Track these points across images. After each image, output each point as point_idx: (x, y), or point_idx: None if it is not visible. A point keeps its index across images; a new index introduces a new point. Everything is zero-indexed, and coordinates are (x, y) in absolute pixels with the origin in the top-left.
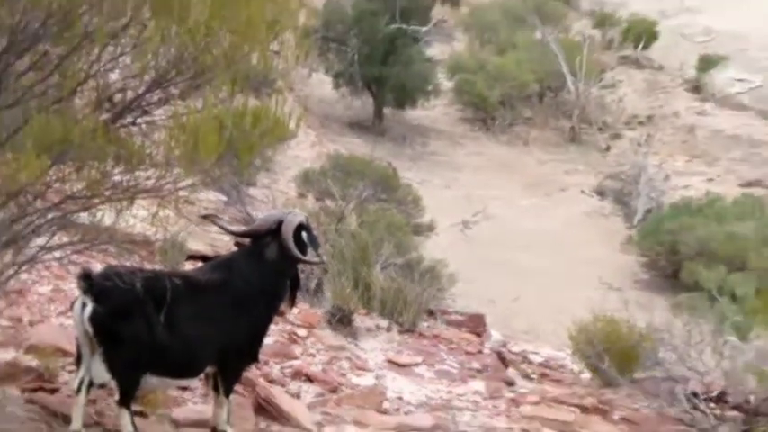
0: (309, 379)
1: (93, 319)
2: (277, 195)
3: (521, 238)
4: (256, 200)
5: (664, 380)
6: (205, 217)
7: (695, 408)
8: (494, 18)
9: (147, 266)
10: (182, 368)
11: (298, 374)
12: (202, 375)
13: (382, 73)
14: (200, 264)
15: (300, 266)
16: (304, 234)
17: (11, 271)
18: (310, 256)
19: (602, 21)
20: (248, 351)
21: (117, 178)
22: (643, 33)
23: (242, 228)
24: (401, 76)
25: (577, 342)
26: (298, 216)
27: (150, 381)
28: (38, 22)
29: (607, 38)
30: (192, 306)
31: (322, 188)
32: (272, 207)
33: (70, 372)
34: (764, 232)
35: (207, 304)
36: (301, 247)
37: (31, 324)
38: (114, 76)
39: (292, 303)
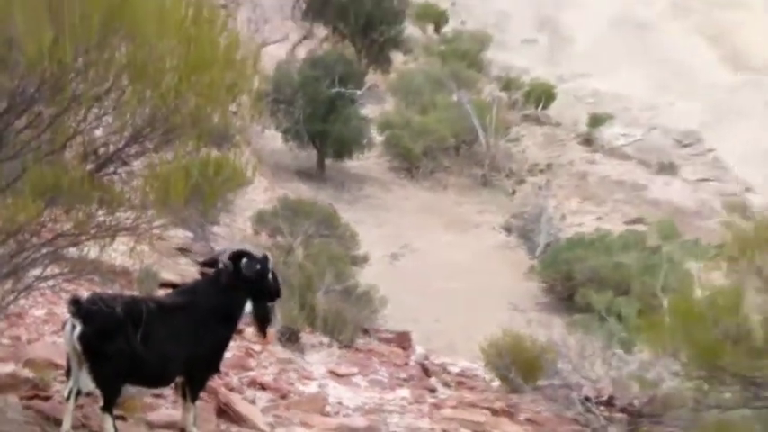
0: (263, 387)
1: (81, 338)
2: (236, 233)
3: (440, 268)
4: (219, 236)
5: (561, 387)
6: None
7: (588, 410)
8: (417, 83)
9: (127, 293)
10: (155, 379)
11: (253, 383)
12: (173, 384)
13: (324, 129)
14: (170, 290)
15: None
16: (244, 261)
17: (11, 297)
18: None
19: (508, 85)
20: (211, 364)
21: (101, 219)
22: (542, 95)
23: (203, 258)
24: (340, 132)
25: (488, 355)
26: (243, 248)
27: (129, 389)
28: (33, 87)
29: (512, 99)
30: (164, 326)
31: (274, 226)
32: (231, 242)
33: (61, 382)
34: (645, 262)
35: (176, 324)
36: (244, 275)
37: (29, 342)
38: (98, 132)
39: (264, 335)
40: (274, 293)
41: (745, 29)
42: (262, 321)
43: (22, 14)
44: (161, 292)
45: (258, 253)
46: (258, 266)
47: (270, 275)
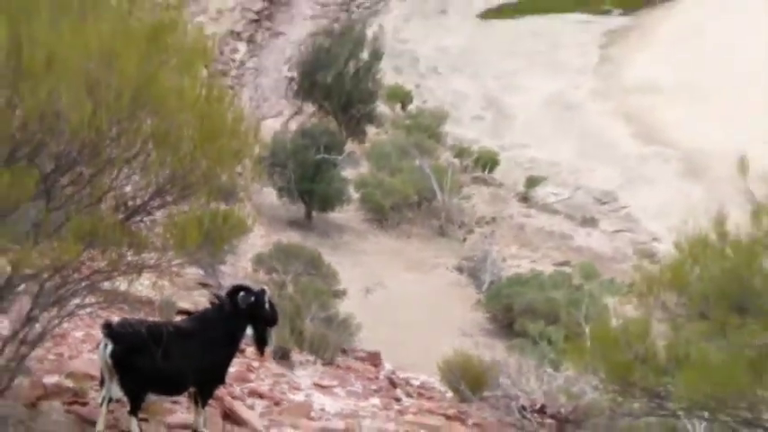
0: (260, 396)
1: (112, 355)
2: (239, 271)
3: (405, 301)
4: (225, 274)
5: (502, 397)
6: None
7: (524, 417)
8: (387, 150)
9: (150, 319)
10: (172, 388)
11: (252, 393)
12: (187, 393)
13: (311, 188)
14: (185, 317)
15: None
16: (241, 294)
17: (56, 321)
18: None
19: (461, 153)
20: (217, 376)
21: (129, 258)
22: (488, 161)
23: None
24: (324, 190)
25: (443, 371)
26: (242, 283)
27: (151, 397)
28: (75, 151)
29: (464, 164)
30: (180, 346)
31: (269, 266)
32: (235, 279)
33: (96, 391)
34: (570, 297)
35: (189, 345)
36: (240, 306)
37: (70, 358)
38: (128, 188)
39: (261, 354)
40: (270, 320)
41: (653, 110)
42: (260, 343)
43: (66, 92)
44: (178, 318)
45: (255, 287)
46: (252, 299)
47: (267, 305)
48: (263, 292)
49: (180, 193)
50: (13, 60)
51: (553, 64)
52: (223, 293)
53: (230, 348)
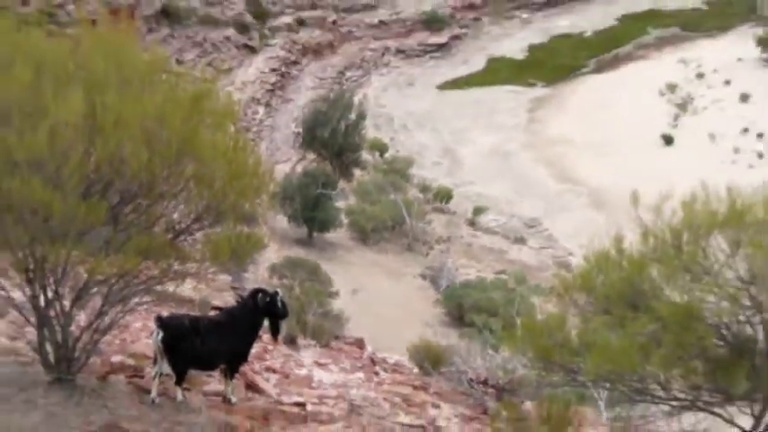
0: (274, 371)
1: (163, 340)
2: (258, 277)
3: (383, 300)
4: (248, 279)
5: (455, 372)
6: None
7: (472, 387)
8: (369, 188)
9: (191, 313)
10: (208, 365)
11: (268, 369)
12: (218, 369)
13: (312, 215)
14: (217, 311)
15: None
16: (260, 296)
17: (121, 315)
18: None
19: (424, 189)
20: (242, 357)
21: (176, 268)
22: (445, 195)
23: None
24: (322, 217)
25: (411, 352)
26: (261, 289)
27: (192, 372)
28: (135, 187)
29: (426, 198)
30: (213, 334)
31: (281, 273)
32: (255, 283)
33: (150, 367)
34: (506, 297)
35: (221, 333)
36: (260, 306)
37: (131, 342)
38: (175, 215)
39: (275, 340)
40: (282, 315)
41: (567, 158)
42: (274, 332)
43: (129, 144)
44: (212, 313)
45: (271, 290)
46: (268, 299)
47: (279, 304)
48: (276, 293)
49: (214, 219)
50: (90, 120)
51: (493, 123)
52: (246, 294)
53: (251, 336)
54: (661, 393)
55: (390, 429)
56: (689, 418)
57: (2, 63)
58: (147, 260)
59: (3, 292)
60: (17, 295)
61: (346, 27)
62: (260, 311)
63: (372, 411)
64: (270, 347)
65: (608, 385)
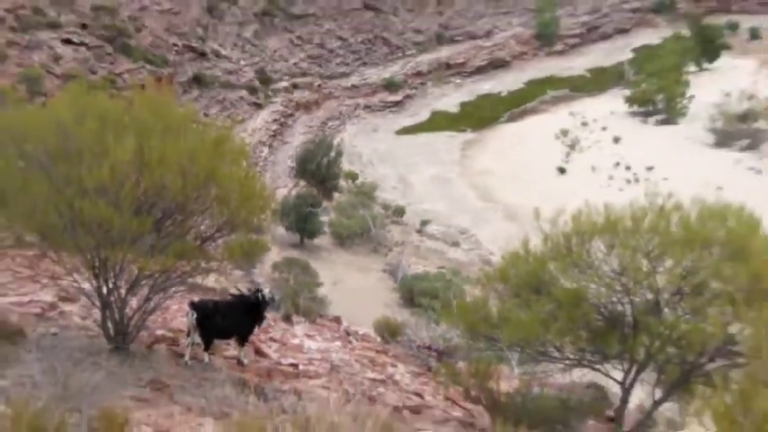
0: (275, 340)
1: (195, 319)
2: (263, 272)
3: (355, 289)
4: (256, 274)
5: (408, 341)
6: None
7: (419, 351)
8: (345, 206)
9: (214, 299)
10: (226, 336)
11: (271, 339)
12: (234, 339)
13: (304, 226)
14: (233, 298)
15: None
16: (259, 294)
17: (162, 300)
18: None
19: (386, 207)
20: (249, 331)
21: (203, 266)
22: (400, 211)
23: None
24: (310, 228)
25: (375, 326)
26: (260, 286)
27: (216, 341)
28: (173, 206)
29: (387, 213)
30: (231, 313)
31: (281, 269)
32: (261, 278)
33: (184, 338)
34: (445, 285)
35: (236, 313)
36: (260, 298)
37: (170, 320)
38: (202, 227)
39: (261, 322)
40: (268, 305)
41: (488, 183)
42: (261, 317)
43: (168, 175)
44: (229, 299)
45: (266, 290)
46: (260, 294)
47: (268, 300)
48: (268, 292)
49: (230, 230)
50: (139, 158)
51: (435, 159)
52: (252, 291)
53: (253, 318)
54: (557, 355)
55: (360, 383)
56: (577, 373)
57: (77, 117)
58: (181, 260)
59: (75, 284)
60: (86, 286)
61: (327, 89)
62: (258, 301)
63: (347, 370)
64: (272, 323)
65: (518, 349)
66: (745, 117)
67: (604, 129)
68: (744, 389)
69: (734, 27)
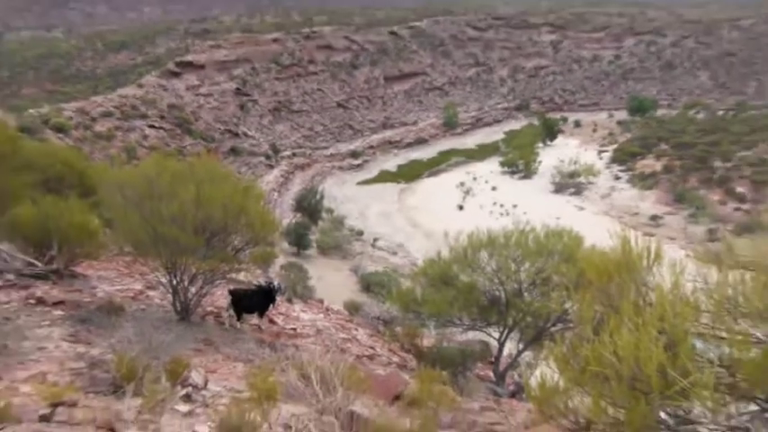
0: (281, 314)
1: (231, 300)
2: (274, 271)
3: (332, 282)
4: (270, 272)
5: (366, 314)
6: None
7: (372, 320)
8: (326, 229)
9: (243, 287)
10: (251, 311)
11: (279, 313)
12: (256, 313)
13: (299, 242)
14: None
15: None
16: (271, 285)
17: (211, 288)
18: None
19: (351, 229)
20: (265, 308)
21: (236, 266)
22: (360, 233)
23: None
24: (304, 243)
25: (345, 305)
26: (272, 279)
27: (244, 315)
28: (218, 229)
29: (352, 233)
30: (255, 297)
31: (286, 269)
32: (272, 274)
33: (225, 312)
34: (389, 279)
35: (258, 298)
36: (271, 288)
37: (215, 301)
38: (236, 242)
39: (273, 304)
40: (277, 293)
41: (415, 215)
42: (272, 301)
43: (215, 210)
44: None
45: (276, 281)
46: (272, 285)
47: (277, 288)
48: (278, 286)
49: (254, 244)
50: (197, 198)
51: (382, 200)
52: (266, 282)
53: (269, 299)
54: (458, 322)
55: (335, 340)
56: (471, 334)
57: (157, 173)
58: (222, 263)
59: (156, 278)
60: (163, 280)
61: (315, 157)
62: (271, 289)
63: (327, 332)
64: (280, 303)
65: (434, 319)
66: (572, 175)
67: (487, 181)
68: (573, 342)
69: (565, 120)
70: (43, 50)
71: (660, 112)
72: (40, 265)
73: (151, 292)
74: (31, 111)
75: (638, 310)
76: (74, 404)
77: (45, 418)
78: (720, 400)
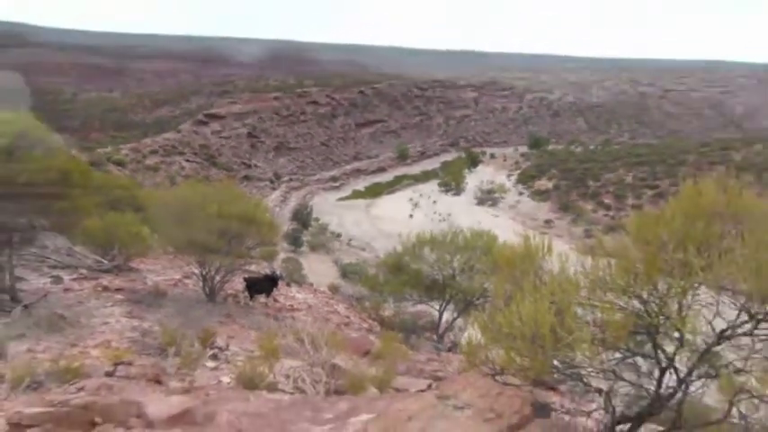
0: (282, 295)
1: (246, 285)
2: (277, 264)
3: (318, 270)
4: (274, 264)
5: (343, 293)
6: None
7: (349, 298)
8: (314, 232)
9: (255, 275)
10: (260, 293)
11: (281, 294)
12: (264, 294)
13: (295, 242)
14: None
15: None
16: (275, 274)
17: (230, 276)
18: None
19: (332, 232)
20: (270, 290)
21: (249, 260)
22: (339, 234)
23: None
24: (298, 243)
25: (329, 287)
26: (273, 269)
27: (256, 295)
28: (235, 233)
29: (333, 235)
30: (263, 283)
31: (286, 262)
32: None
33: (242, 294)
34: (360, 268)
35: (265, 283)
36: (276, 275)
37: (235, 286)
38: (248, 242)
39: (276, 286)
40: (278, 280)
41: (378, 222)
42: (274, 286)
43: (233, 221)
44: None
45: (278, 271)
46: (275, 274)
47: (279, 276)
48: (279, 274)
49: (261, 244)
50: (220, 212)
51: (354, 211)
52: (271, 272)
53: (272, 285)
54: (409, 298)
55: (322, 313)
56: (420, 306)
57: (191, 194)
58: (239, 259)
59: (191, 270)
60: (196, 271)
61: (306, 181)
62: (275, 278)
63: (316, 307)
64: (282, 287)
65: (392, 296)
66: (489, 192)
67: (429, 197)
68: (491, 312)
69: (484, 153)
70: (107, 106)
71: (550, 147)
72: (105, 261)
73: (187, 281)
74: (97, 150)
75: (536, 287)
76: (130, 363)
77: (109, 374)
78: (595, 350)
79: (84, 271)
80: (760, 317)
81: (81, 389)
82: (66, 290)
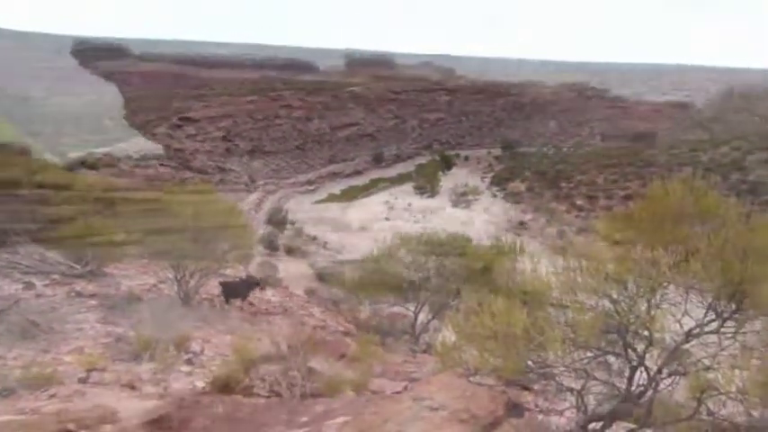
0: (258, 298)
1: (222, 290)
2: (253, 268)
3: (296, 274)
4: (250, 268)
5: (318, 296)
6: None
7: (324, 300)
8: (291, 235)
9: (230, 279)
10: (236, 297)
11: (256, 297)
12: (241, 297)
13: (271, 246)
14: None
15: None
16: (251, 276)
17: (205, 280)
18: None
19: (309, 235)
20: (246, 294)
21: (225, 264)
22: (315, 237)
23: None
24: (274, 246)
25: (305, 290)
26: (251, 274)
27: (231, 299)
28: (211, 237)
29: (310, 238)
30: (239, 286)
31: (261, 266)
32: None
33: (217, 297)
34: (337, 271)
35: (244, 285)
36: (251, 279)
37: (210, 290)
38: (225, 247)
39: (252, 291)
40: (255, 285)
41: (354, 224)
42: (253, 286)
43: (209, 223)
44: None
45: (255, 276)
46: (253, 280)
47: (256, 279)
48: (251, 276)
49: (237, 248)
50: (194, 213)
51: (330, 214)
52: (247, 276)
53: (249, 289)
54: (386, 300)
55: (298, 316)
56: (396, 308)
57: (165, 198)
58: (213, 262)
59: (165, 275)
60: (170, 276)
61: (281, 185)
62: (252, 282)
63: (292, 311)
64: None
65: (369, 299)
66: (463, 194)
67: (404, 200)
68: (465, 313)
69: (457, 155)
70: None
71: (522, 149)
72: (78, 267)
73: (162, 286)
74: (70, 155)
75: (509, 287)
76: (104, 369)
77: (82, 380)
78: (567, 349)
79: (56, 276)
80: (726, 315)
81: (53, 396)
82: (39, 296)
